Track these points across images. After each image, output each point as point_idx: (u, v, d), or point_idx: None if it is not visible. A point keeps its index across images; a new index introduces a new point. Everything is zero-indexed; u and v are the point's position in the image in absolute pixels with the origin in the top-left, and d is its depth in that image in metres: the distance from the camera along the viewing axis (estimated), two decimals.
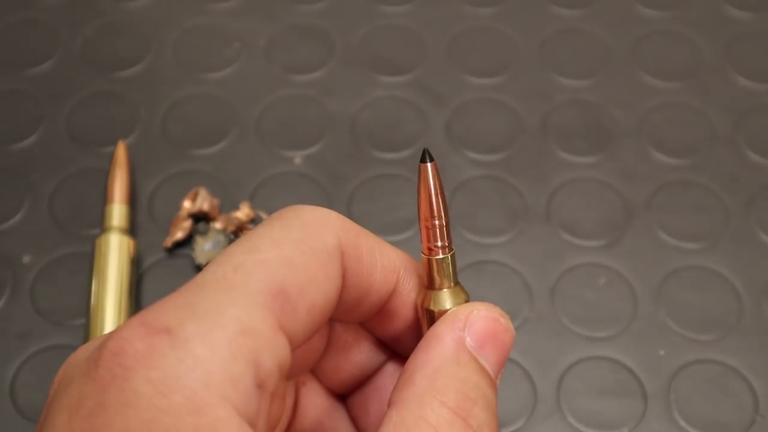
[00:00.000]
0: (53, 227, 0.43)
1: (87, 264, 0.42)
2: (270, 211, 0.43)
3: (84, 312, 0.41)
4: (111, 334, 0.24)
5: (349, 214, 0.43)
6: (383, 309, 0.30)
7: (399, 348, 0.31)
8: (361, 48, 0.50)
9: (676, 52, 0.50)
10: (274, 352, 0.25)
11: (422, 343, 0.28)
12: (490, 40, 0.51)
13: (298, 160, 0.46)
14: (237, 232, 0.43)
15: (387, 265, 0.29)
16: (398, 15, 0.51)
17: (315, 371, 0.32)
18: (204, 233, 0.43)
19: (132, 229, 0.43)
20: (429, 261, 0.30)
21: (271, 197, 0.44)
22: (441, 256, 0.29)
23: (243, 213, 0.43)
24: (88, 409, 0.23)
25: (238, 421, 0.23)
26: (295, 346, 0.26)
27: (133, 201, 0.44)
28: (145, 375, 0.23)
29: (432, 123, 0.47)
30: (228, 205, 0.44)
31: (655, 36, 0.51)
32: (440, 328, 0.29)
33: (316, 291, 0.26)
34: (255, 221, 0.43)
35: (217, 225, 0.43)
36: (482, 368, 0.28)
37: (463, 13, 0.51)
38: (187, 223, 0.43)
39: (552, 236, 0.43)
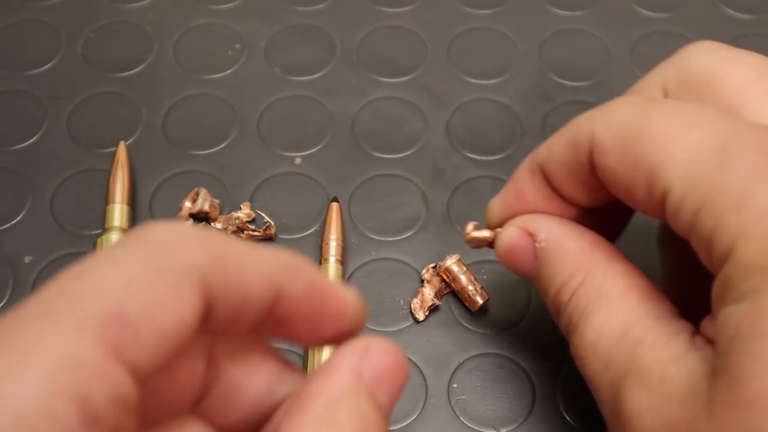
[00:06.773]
0: (55, 227, 0.44)
1: None
2: (270, 211, 0.44)
3: None
4: None
5: (349, 214, 0.44)
6: (274, 314, 0.27)
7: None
8: (362, 49, 0.50)
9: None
10: (107, 383, 0.22)
11: (319, 371, 0.27)
12: (490, 41, 0.51)
13: (298, 161, 0.46)
14: (238, 232, 0.43)
15: (263, 271, 0.27)
16: (398, 16, 0.51)
17: (201, 413, 0.29)
18: None
19: None
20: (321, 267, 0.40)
21: (272, 197, 0.44)
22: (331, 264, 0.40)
23: (244, 213, 0.43)
24: None
25: None
26: (143, 376, 0.23)
27: (134, 201, 0.44)
28: None
29: (432, 123, 0.47)
30: (229, 205, 0.44)
31: (654, 37, 0.51)
32: (338, 358, 0.27)
33: (166, 314, 0.24)
34: (255, 221, 0.43)
35: (218, 225, 0.43)
36: (378, 404, 0.27)
37: (463, 14, 0.52)
38: (188, 224, 0.43)
39: None
